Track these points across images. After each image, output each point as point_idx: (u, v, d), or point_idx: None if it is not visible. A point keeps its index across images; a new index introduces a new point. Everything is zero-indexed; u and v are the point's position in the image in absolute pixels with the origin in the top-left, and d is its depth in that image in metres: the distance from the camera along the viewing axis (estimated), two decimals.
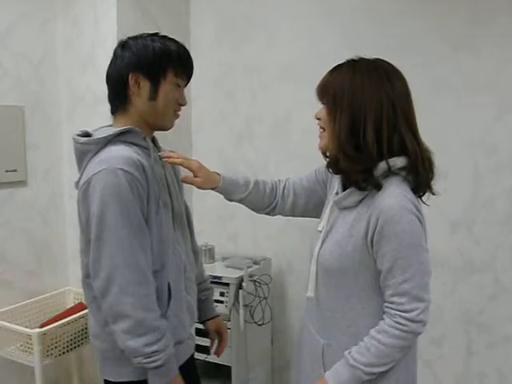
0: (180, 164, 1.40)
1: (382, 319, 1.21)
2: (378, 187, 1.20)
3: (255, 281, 2.35)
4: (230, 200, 1.52)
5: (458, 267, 2.22)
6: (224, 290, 2.31)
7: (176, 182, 1.49)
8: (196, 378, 1.58)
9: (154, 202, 1.29)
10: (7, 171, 2.24)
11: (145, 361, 1.22)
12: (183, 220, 1.49)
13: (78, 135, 1.33)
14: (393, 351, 1.19)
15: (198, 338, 1.95)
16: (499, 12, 2.03)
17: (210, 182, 1.44)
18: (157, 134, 1.45)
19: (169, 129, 1.41)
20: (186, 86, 1.42)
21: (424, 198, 1.29)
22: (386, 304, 1.21)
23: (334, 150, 1.25)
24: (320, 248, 1.31)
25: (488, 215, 2.15)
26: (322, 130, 1.31)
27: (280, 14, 2.49)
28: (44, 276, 2.45)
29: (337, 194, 1.33)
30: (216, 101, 2.70)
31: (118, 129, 1.29)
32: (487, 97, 2.09)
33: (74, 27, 2.39)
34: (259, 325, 2.38)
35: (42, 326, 2.11)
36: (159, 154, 1.40)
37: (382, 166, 1.20)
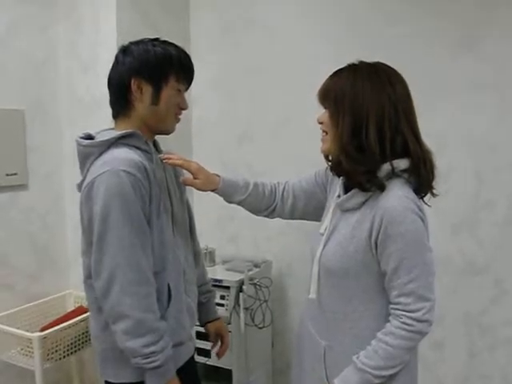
0: (180, 165, 1.41)
1: (388, 321, 1.21)
2: (382, 188, 1.20)
3: (256, 284, 2.35)
4: (230, 202, 1.52)
5: (459, 269, 2.22)
6: (224, 294, 2.31)
7: (176, 186, 1.49)
8: (196, 380, 1.58)
9: (155, 205, 1.30)
10: (8, 175, 2.23)
11: (143, 361, 1.22)
12: (183, 224, 1.49)
13: (81, 138, 1.33)
14: (401, 353, 1.19)
15: (198, 341, 1.95)
16: (500, 12, 2.03)
17: (209, 183, 1.44)
18: (157, 136, 1.45)
19: (170, 133, 1.42)
20: (186, 90, 1.42)
21: (425, 200, 1.30)
22: (391, 306, 1.21)
23: (337, 152, 1.26)
24: (322, 250, 1.31)
25: (489, 216, 2.14)
26: (324, 133, 1.31)
27: (280, 16, 2.49)
28: (45, 279, 2.44)
29: (338, 196, 1.34)
30: (216, 103, 2.71)
31: (121, 132, 1.30)
32: (488, 97, 2.09)
33: (74, 30, 2.39)
34: (260, 328, 2.38)
35: (42, 330, 2.11)
36: (159, 155, 1.40)
37: (386, 167, 1.21)
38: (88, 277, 1.31)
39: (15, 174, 2.27)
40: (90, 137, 1.35)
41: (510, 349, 2.17)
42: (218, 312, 1.72)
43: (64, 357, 2.13)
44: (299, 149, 2.46)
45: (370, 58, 1.29)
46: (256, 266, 2.47)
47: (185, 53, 1.38)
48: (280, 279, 2.63)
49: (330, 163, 1.38)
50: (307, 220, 1.58)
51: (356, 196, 1.26)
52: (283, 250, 2.60)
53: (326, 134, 1.30)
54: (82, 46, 2.37)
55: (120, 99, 1.34)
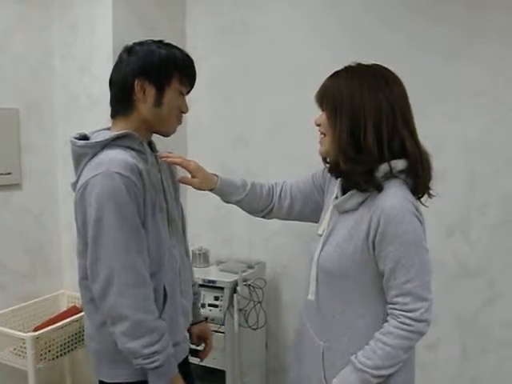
0: (179, 164, 1.41)
1: (386, 321, 1.22)
2: (380, 188, 1.21)
3: (250, 285, 2.35)
4: (227, 202, 1.52)
5: (452, 271, 2.23)
6: (218, 294, 2.30)
7: (172, 187, 1.49)
8: (190, 381, 1.58)
9: (150, 206, 1.29)
10: (2, 174, 2.22)
11: (144, 362, 1.22)
12: (178, 224, 1.49)
13: (76, 138, 1.33)
14: (399, 352, 1.19)
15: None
16: (496, 16, 2.04)
17: (207, 183, 1.44)
18: (153, 138, 1.45)
19: (170, 135, 1.42)
20: (188, 93, 1.42)
21: (422, 201, 1.31)
22: (389, 305, 1.22)
23: (335, 153, 1.26)
24: (320, 251, 1.32)
25: (483, 219, 2.15)
26: (322, 135, 1.32)
27: (277, 18, 2.50)
28: (38, 279, 2.44)
29: (336, 198, 1.34)
30: (212, 105, 2.70)
31: (115, 133, 1.29)
32: (483, 101, 2.10)
33: (70, 30, 2.38)
34: (253, 329, 2.38)
35: (35, 330, 2.10)
36: (157, 154, 1.40)
37: (384, 167, 1.21)
38: (83, 277, 1.31)
39: (9, 173, 2.26)
40: (85, 137, 1.34)
41: (502, 351, 2.18)
42: (202, 315, 1.72)
43: (57, 357, 2.13)
44: (295, 152, 2.47)
45: (365, 62, 1.29)
46: (250, 267, 2.47)
47: (188, 56, 1.38)
48: (274, 280, 2.63)
49: (327, 165, 1.38)
50: (304, 221, 1.58)
51: (354, 197, 1.26)
52: (277, 251, 2.60)
53: (324, 135, 1.30)
54: (77, 47, 2.36)
55: (122, 99, 1.34)
